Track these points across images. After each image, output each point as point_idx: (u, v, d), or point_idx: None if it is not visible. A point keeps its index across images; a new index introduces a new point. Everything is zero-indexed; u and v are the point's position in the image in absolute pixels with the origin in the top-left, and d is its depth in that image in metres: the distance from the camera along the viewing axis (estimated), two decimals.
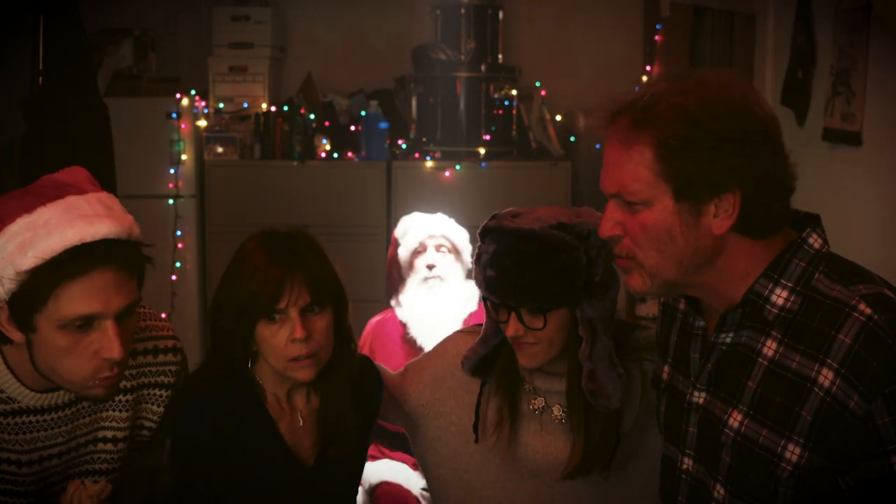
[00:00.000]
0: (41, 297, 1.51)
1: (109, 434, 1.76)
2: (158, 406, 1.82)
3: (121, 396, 1.76)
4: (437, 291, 2.96)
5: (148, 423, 1.83)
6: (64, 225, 1.52)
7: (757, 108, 1.39)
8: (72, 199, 1.55)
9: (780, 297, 1.42)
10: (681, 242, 1.41)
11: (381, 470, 2.87)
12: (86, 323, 1.54)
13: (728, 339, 1.48)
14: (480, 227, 1.78)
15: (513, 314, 1.74)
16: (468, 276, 3.02)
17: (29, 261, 1.50)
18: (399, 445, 2.88)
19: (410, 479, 2.84)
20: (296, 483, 1.83)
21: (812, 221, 1.47)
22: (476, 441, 1.89)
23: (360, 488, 2.85)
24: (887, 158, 2.73)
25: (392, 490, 2.81)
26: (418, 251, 3.01)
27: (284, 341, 1.72)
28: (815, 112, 3.27)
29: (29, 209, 1.53)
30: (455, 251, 3.02)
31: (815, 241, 1.45)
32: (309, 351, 1.74)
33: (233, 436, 1.78)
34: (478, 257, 1.77)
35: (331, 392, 1.84)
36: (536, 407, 1.86)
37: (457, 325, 2.78)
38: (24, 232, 1.51)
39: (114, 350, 1.55)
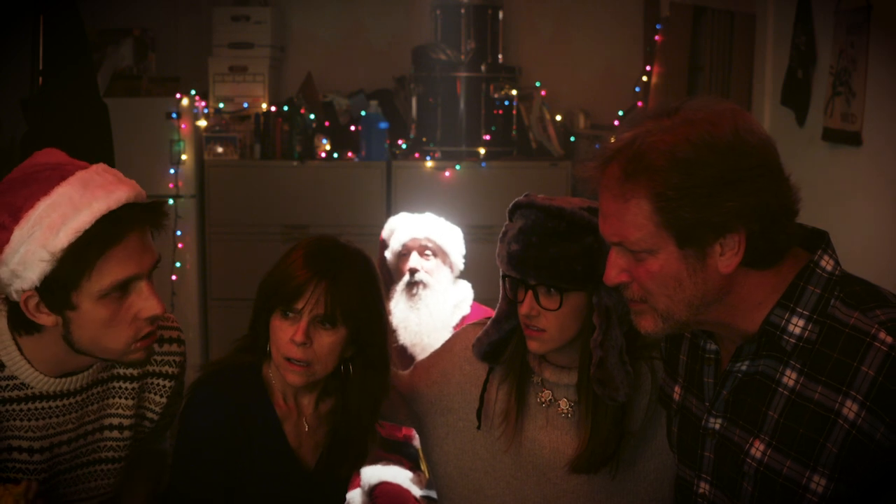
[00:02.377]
0: (82, 272, 1.53)
1: (116, 421, 1.78)
2: (161, 396, 1.84)
3: (126, 384, 1.78)
4: (422, 298, 2.85)
5: (150, 414, 1.84)
6: (88, 198, 1.54)
7: (750, 137, 1.35)
8: (82, 174, 1.58)
9: (797, 326, 1.40)
10: (689, 286, 1.39)
11: (381, 470, 2.86)
12: (123, 288, 1.57)
13: (744, 368, 1.46)
14: (511, 204, 1.78)
15: (529, 292, 1.73)
16: (459, 277, 2.97)
17: (62, 239, 1.51)
18: (396, 450, 2.88)
19: (406, 482, 2.84)
20: (294, 483, 1.84)
21: (822, 241, 1.45)
22: (478, 427, 1.88)
23: (360, 489, 2.86)
24: (887, 158, 2.73)
25: (391, 490, 2.81)
26: (402, 254, 2.92)
27: (286, 339, 1.74)
28: (815, 112, 3.27)
29: (46, 191, 1.54)
30: (442, 253, 2.90)
31: (827, 263, 1.43)
32: (304, 357, 1.74)
33: (238, 431, 1.79)
34: (504, 234, 1.77)
35: (354, 412, 1.84)
36: (544, 399, 1.86)
37: (447, 333, 2.69)
38: (49, 213, 1.52)
39: (154, 307, 1.60)
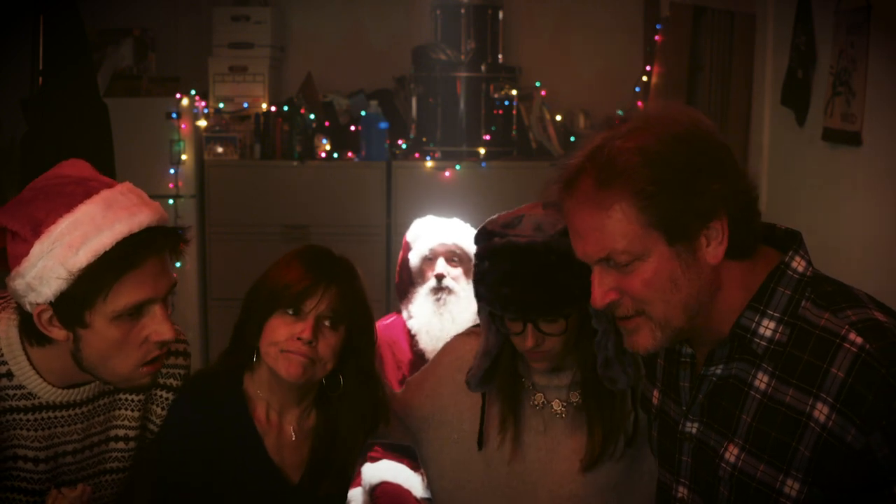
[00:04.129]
0: (97, 292, 1.53)
1: (122, 433, 1.77)
2: (162, 409, 1.84)
3: (133, 396, 1.78)
4: (447, 304, 2.87)
5: (151, 426, 1.84)
6: (110, 220, 1.54)
7: (709, 130, 1.37)
8: (106, 193, 1.57)
9: (767, 328, 1.39)
10: (685, 285, 1.37)
11: (381, 470, 2.86)
12: (136, 311, 1.57)
13: (718, 371, 1.46)
14: (480, 247, 1.74)
15: (529, 325, 1.72)
16: None
17: (81, 259, 1.51)
18: (398, 449, 2.87)
19: (410, 479, 2.84)
20: (278, 498, 1.83)
21: (794, 241, 1.44)
22: (480, 450, 1.88)
23: (360, 488, 2.85)
24: (887, 158, 2.73)
25: (392, 490, 2.80)
26: (429, 259, 2.93)
27: (288, 335, 1.75)
28: (815, 112, 3.27)
29: (69, 208, 1.54)
30: (468, 261, 2.89)
31: (798, 264, 1.41)
32: (308, 353, 1.75)
33: (218, 444, 1.79)
34: (482, 275, 1.73)
35: (342, 430, 1.85)
36: (538, 402, 1.86)
37: None
38: (71, 231, 1.52)
39: (165, 332, 1.60)
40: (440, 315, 2.86)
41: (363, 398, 1.86)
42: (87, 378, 1.66)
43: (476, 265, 1.75)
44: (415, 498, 2.78)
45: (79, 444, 1.71)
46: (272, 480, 1.83)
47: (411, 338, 2.91)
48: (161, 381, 1.82)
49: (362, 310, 1.82)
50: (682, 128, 1.35)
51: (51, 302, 1.54)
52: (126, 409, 1.77)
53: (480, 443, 1.88)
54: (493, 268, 1.70)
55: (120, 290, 1.54)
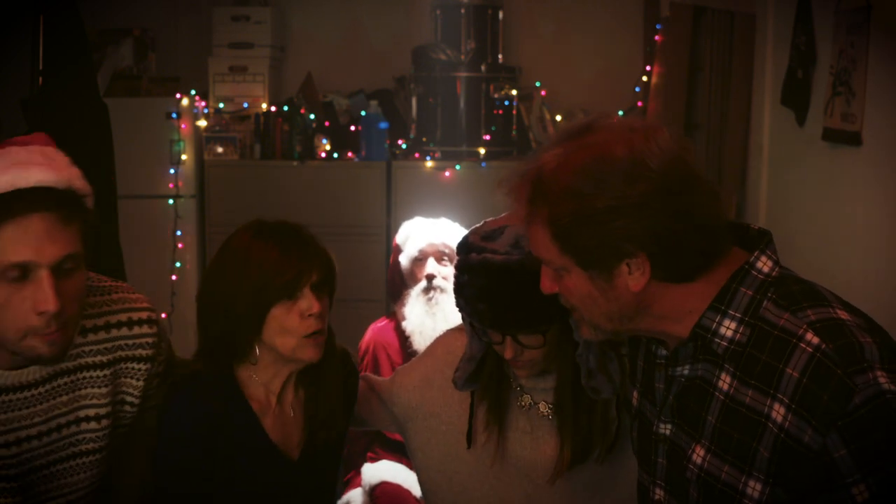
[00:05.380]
0: None
1: (92, 412, 1.74)
2: (138, 380, 1.80)
3: (97, 372, 1.74)
4: (438, 303, 2.88)
5: (129, 399, 1.80)
6: (1, 169, 1.51)
7: (650, 160, 1.34)
8: (11, 149, 1.55)
9: (728, 329, 1.39)
10: (602, 303, 1.42)
11: (381, 470, 2.86)
12: (21, 274, 1.51)
13: (686, 372, 1.46)
14: (458, 260, 1.76)
15: (508, 338, 1.74)
16: None
17: None
18: (397, 449, 2.88)
19: (409, 479, 2.84)
20: (280, 477, 1.85)
21: (762, 241, 1.43)
22: (469, 447, 1.90)
23: (360, 489, 2.86)
24: (887, 158, 2.73)
25: (391, 490, 2.81)
26: (419, 260, 2.95)
27: (298, 318, 1.77)
28: (815, 112, 3.27)
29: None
30: None
31: (763, 264, 1.40)
32: (322, 326, 1.79)
33: (217, 429, 1.80)
34: (461, 288, 1.74)
35: (322, 382, 1.88)
36: (524, 403, 1.87)
37: None
38: None
39: (48, 301, 1.51)
40: (433, 315, 2.87)
41: (332, 348, 1.89)
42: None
43: (456, 276, 1.77)
44: (414, 498, 2.79)
45: (43, 426, 1.69)
46: (273, 459, 1.84)
47: (405, 339, 2.92)
48: (128, 353, 1.78)
49: (328, 258, 1.85)
50: (613, 161, 1.34)
51: None
52: (92, 388, 1.73)
53: (469, 441, 1.89)
54: (470, 283, 1.72)
55: None
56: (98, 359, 1.74)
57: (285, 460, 1.86)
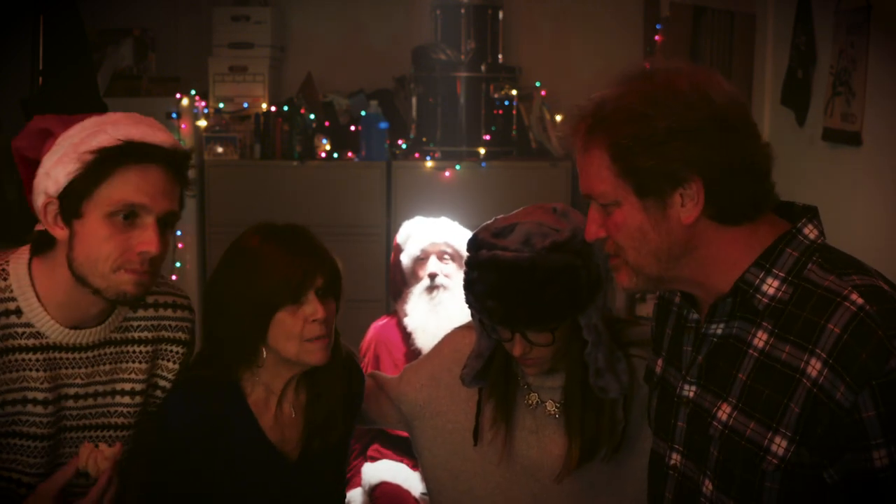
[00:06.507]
0: (97, 179, 1.61)
1: (128, 386, 1.80)
2: (174, 363, 1.87)
3: (141, 347, 1.81)
4: (441, 301, 2.90)
5: (162, 382, 1.86)
6: (132, 124, 1.66)
7: (713, 94, 1.39)
8: (134, 113, 1.71)
9: (770, 286, 1.41)
10: (653, 238, 1.42)
11: (381, 470, 2.87)
12: (131, 214, 1.63)
13: (719, 331, 1.47)
14: (469, 256, 1.76)
15: (517, 335, 1.74)
16: None
17: (96, 142, 1.61)
18: (399, 447, 2.88)
19: (409, 479, 2.84)
20: (279, 479, 1.85)
21: (809, 212, 1.47)
22: (475, 445, 1.90)
23: (360, 489, 2.86)
24: (887, 158, 2.73)
25: (391, 490, 2.81)
26: (420, 259, 2.96)
27: (302, 323, 1.78)
28: (815, 112, 3.27)
29: (99, 114, 1.69)
30: (459, 258, 2.94)
31: (810, 231, 1.44)
32: (326, 331, 1.80)
33: (214, 428, 1.81)
34: (471, 284, 1.74)
35: (322, 386, 1.88)
36: (531, 402, 1.87)
37: None
38: (94, 125, 1.65)
39: (152, 243, 1.64)
40: (436, 313, 2.89)
41: (336, 350, 1.89)
42: (90, 316, 1.72)
43: (466, 272, 1.77)
44: (414, 498, 2.79)
45: (81, 388, 1.75)
46: (271, 459, 1.85)
47: (407, 337, 2.93)
48: (170, 334, 1.86)
49: (333, 263, 1.86)
50: (676, 89, 1.39)
51: (62, 192, 1.62)
52: (133, 362, 1.80)
53: (476, 438, 1.89)
54: (479, 279, 1.72)
55: (119, 183, 1.62)
56: (144, 335, 1.82)
57: (284, 460, 1.86)
